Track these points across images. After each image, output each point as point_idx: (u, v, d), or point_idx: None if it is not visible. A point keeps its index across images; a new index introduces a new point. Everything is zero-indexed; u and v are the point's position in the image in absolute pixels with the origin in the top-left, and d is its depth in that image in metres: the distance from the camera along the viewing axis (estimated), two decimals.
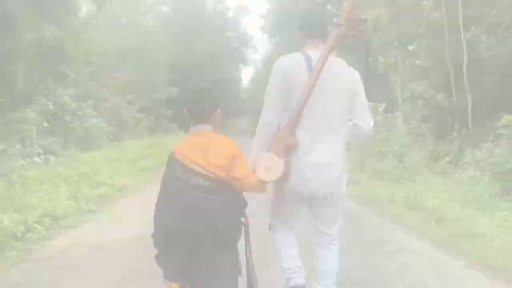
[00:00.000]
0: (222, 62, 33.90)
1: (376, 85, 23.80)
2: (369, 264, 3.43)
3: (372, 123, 2.28)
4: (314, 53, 2.12)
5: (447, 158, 8.74)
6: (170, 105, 29.98)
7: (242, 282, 1.94)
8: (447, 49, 10.81)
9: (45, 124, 10.80)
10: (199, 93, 2.00)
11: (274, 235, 2.39)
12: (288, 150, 2.02)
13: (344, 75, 2.19)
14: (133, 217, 5.00)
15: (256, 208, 2.40)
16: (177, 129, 25.61)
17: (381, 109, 13.13)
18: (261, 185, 1.96)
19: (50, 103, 11.40)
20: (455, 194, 6.16)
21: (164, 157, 7.71)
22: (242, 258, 1.95)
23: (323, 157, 2.12)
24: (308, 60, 2.11)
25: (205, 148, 1.86)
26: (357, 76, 2.24)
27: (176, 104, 32.13)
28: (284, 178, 1.98)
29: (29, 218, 4.19)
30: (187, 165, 1.85)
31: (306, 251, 2.35)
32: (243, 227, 1.96)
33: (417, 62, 15.09)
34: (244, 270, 1.95)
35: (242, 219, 1.98)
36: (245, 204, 2.01)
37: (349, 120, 2.24)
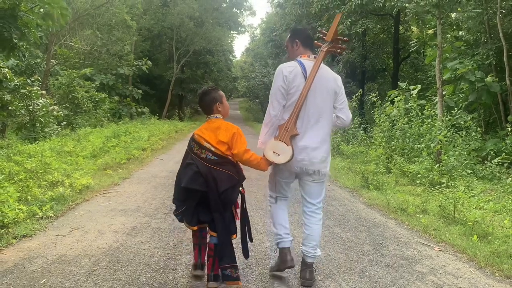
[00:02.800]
0: (208, 28, 33.97)
1: (407, 62, 24.23)
2: (395, 287, 3.69)
3: (350, 116, 3.72)
4: (307, 62, 3.56)
5: (497, 159, 8.99)
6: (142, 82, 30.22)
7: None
8: (499, 18, 11.03)
9: None
10: (201, 95, 3.60)
11: (270, 206, 3.84)
12: (293, 138, 3.45)
13: (328, 79, 3.59)
14: (100, 225, 5.24)
15: None
16: (149, 115, 25.72)
17: (414, 92, 13.43)
18: (257, 163, 3.45)
19: None
20: (504, 205, 6.46)
21: (134, 151, 8.32)
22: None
23: (311, 142, 3.51)
24: (303, 67, 3.52)
25: (215, 130, 3.41)
26: (339, 79, 3.68)
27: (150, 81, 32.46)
28: (291, 160, 3.43)
29: None
30: (201, 143, 3.39)
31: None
32: (240, 195, 3.50)
33: (461, 33, 15.36)
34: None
35: (240, 189, 3.51)
36: (243, 178, 3.52)
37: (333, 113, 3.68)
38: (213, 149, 3.35)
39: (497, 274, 4.09)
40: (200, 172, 3.32)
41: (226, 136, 3.36)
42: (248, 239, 3.57)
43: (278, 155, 3.42)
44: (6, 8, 6.64)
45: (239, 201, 3.52)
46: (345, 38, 3.73)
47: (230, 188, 3.35)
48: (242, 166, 3.57)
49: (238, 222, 3.54)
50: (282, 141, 3.41)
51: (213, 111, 3.52)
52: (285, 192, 3.81)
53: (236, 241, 3.57)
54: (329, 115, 3.59)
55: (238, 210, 3.54)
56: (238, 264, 3.49)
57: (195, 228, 3.51)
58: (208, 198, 3.35)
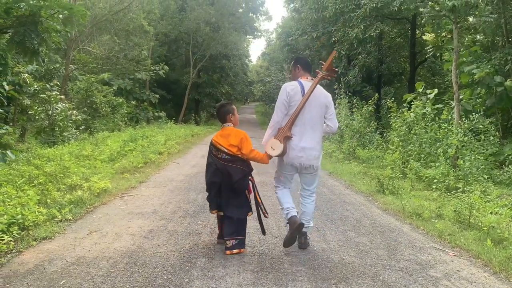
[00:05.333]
0: (224, 33, 34.10)
1: (424, 66, 24.07)
2: None
3: (337, 124, 4.87)
4: (305, 82, 4.66)
5: None
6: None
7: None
8: None
9: None
10: (219, 107, 4.78)
11: (276, 192, 4.89)
12: (286, 139, 4.53)
13: (321, 97, 4.68)
14: (117, 228, 5.35)
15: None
16: (165, 119, 25.91)
17: (431, 96, 13.36)
18: (260, 159, 4.56)
19: (4, 83, 11.73)
20: None
21: (151, 155, 8.65)
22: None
23: (308, 143, 4.59)
24: (302, 86, 4.62)
25: (227, 136, 4.55)
26: (329, 96, 4.78)
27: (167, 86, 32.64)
28: (283, 154, 4.54)
29: None
30: (218, 147, 4.54)
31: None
32: (250, 183, 4.67)
33: (478, 37, 15.23)
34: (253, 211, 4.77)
35: (250, 178, 4.66)
36: (251, 170, 4.66)
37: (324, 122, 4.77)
38: (226, 150, 4.51)
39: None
40: (218, 168, 4.51)
41: (235, 140, 4.52)
42: (263, 216, 4.73)
43: (274, 149, 4.52)
44: (27, 14, 6.81)
45: (251, 186, 4.72)
46: (336, 69, 5.00)
47: (241, 178, 4.51)
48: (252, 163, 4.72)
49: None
50: (278, 139, 4.52)
51: (227, 120, 4.67)
52: (288, 183, 4.88)
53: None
54: (321, 123, 4.71)
55: (251, 195, 4.72)
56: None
57: (214, 212, 4.71)
58: (224, 187, 4.52)
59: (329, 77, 4.96)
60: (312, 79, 4.70)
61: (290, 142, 4.55)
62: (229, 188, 4.51)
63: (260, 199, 4.75)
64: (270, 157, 4.61)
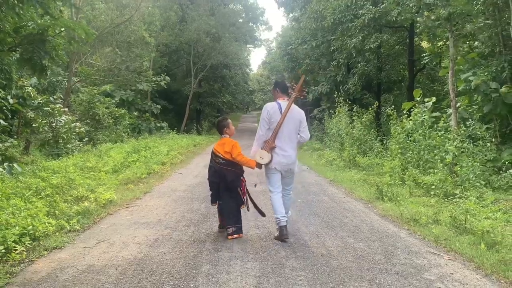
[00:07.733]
0: (225, 43, 34.40)
1: (423, 73, 24.27)
2: None
3: (309, 135, 6.03)
4: (283, 102, 5.78)
5: None
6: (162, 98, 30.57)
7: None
8: None
9: (2, 122, 11.36)
10: (217, 123, 6.13)
11: (271, 197, 5.83)
12: (271, 149, 5.65)
13: (295, 113, 5.79)
14: (124, 237, 5.56)
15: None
16: (167, 129, 26.14)
17: (428, 105, 13.56)
18: (246, 162, 5.70)
19: (9, 96, 11.97)
20: None
21: (154, 165, 9.07)
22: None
23: (287, 151, 5.69)
24: (279, 106, 5.73)
25: (223, 145, 5.76)
26: (302, 112, 5.96)
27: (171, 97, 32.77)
28: (270, 162, 5.66)
29: (7, 238, 4.76)
30: (216, 154, 5.75)
31: None
32: (242, 182, 5.88)
33: (476, 43, 15.43)
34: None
35: (242, 178, 5.87)
36: (243, 171, 5.88)
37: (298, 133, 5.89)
38: (222, 156, 5.66)
39: (502, 281, 4.27)
40: (216, 171, 5.70)
41: (228, 147, 5.67)
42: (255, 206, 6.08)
43: (262, 158, 5.63)
44: (35, 33, 7.09)
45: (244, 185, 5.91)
46: (305, 90, 6.15)
47: (235, 179, 5.70)
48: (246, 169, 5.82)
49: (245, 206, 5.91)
50: (265, 150, 5.62)
51: (223, 132, 5.86)
52: (277, 184, 5.81)
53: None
54: (296, 135, 5.80)
55: (246, 196, 5.93)
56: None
57: (214, 205, 5.94)
58: (221, 185, 5.69)
59: (301, 96, 6.21)
60: (287, 99, 5.82)
61: (274, 151, 5.66)
62: (225, 186, 5.68)
63: (249, 195, 5.99)
64: (259, 165, 5.71)
